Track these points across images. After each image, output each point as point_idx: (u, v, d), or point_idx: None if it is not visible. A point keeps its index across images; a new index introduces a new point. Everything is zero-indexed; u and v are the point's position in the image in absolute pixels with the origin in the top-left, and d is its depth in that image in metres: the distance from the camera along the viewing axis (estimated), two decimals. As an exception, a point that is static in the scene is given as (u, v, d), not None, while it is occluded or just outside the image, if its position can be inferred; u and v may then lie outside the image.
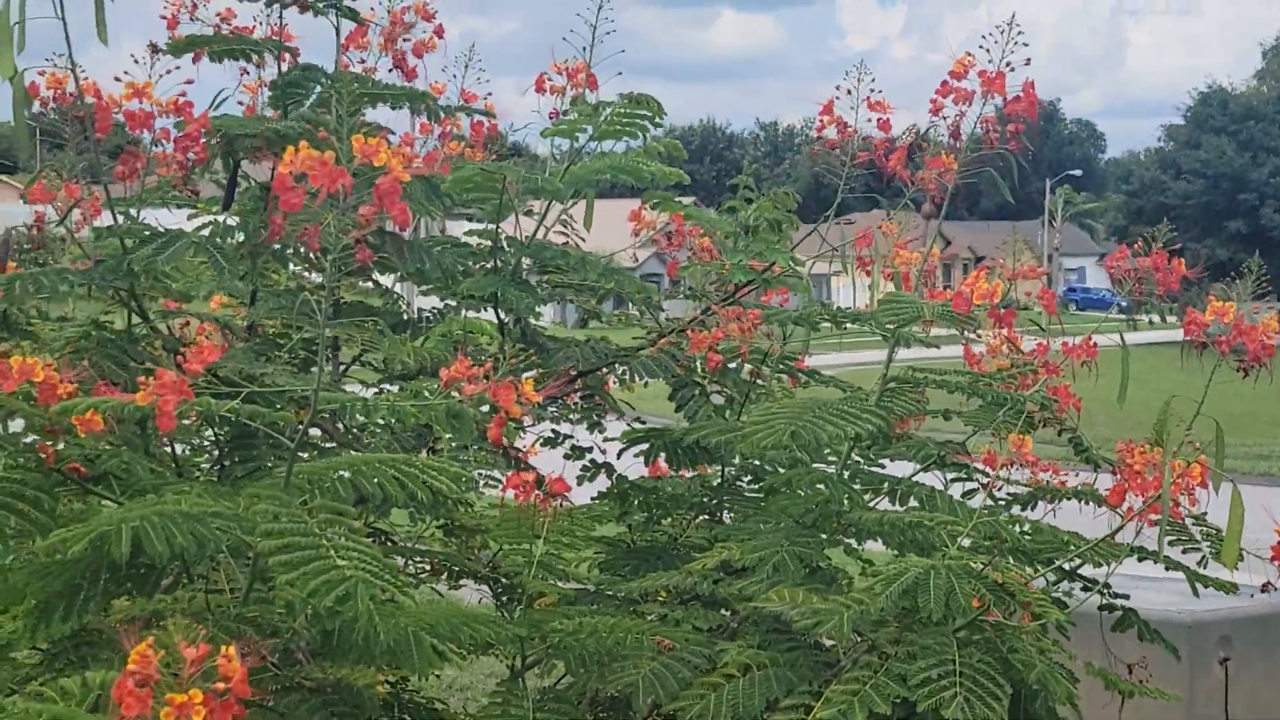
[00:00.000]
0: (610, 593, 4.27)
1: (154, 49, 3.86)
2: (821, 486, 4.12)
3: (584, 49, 4.44)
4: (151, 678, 2.55)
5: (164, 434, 3.47)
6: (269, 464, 3.75)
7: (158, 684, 2.54)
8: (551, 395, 4.38)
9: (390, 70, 4.41)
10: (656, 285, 4.83)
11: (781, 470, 4.28)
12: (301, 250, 4.12)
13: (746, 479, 4.62)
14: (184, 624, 2.79)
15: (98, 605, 3.49)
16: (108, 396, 3.17)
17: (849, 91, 4.30)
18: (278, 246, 3.96)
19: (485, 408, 3.26)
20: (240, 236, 3.97)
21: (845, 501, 4.08)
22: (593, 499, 4.50)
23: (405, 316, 4.52)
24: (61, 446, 3.44)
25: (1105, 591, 4.35)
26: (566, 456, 4.87)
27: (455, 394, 3.33)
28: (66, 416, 3.24)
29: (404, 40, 4.40)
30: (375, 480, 3.22)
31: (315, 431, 3.87)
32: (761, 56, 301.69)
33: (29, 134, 3.62)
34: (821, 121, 4.38)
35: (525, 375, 3.54)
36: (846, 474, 4.24)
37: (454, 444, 4.09)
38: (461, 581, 4.95)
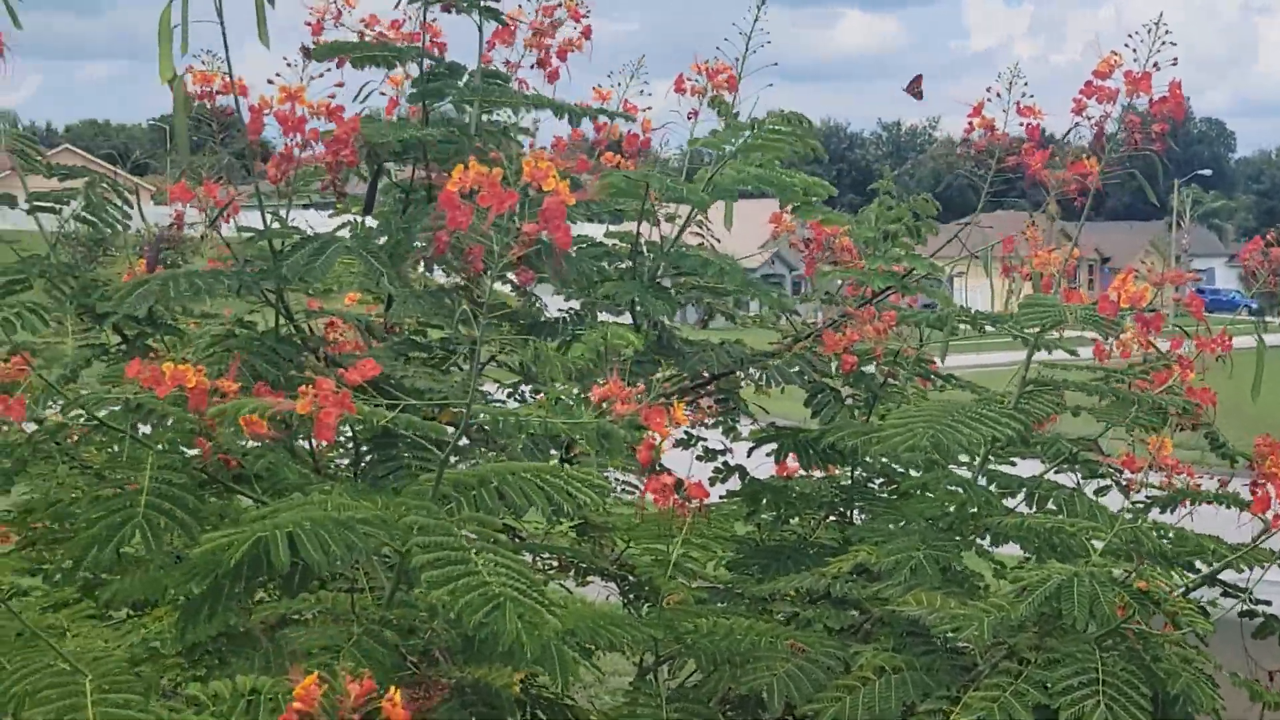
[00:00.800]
0: (739, 591, 4.27)
1: (306, 53, 3.92)
2: (957, 490, 4.08)
3: (718, 50, 4.43)
4: (313, 715, 2.57)
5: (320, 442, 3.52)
6: (408, 464, 3.79)
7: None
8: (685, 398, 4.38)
9: (532, 67, 4.42)
10: (784, 286, 4.81)
11: (915, 473, 4.25)
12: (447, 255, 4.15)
13: (878, 480, 4.59)
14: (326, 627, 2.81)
15: (241, 605, 3.56)
16: (268, 400, 3.22)
17: (998, 94, 4.26)
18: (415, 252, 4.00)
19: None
20: (383, 239, 4.02)
21: (981, 505, 4.04)
22: (721, 498, 4.50)
23: (543, 318, 4.55)
24: (211, 445, 3.52)
25: (1247, 598, 4.26)
26: (699, 458, 4.88)
27: (605, 413, 3.35)
28: (223, 417, 3.29)
29: (551, 40, 4.40)
30: (521, 490, 3.25)
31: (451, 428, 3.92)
32: (885, 56, 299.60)
33: (186, 135, 3.69)
34: (970, 124, 4.33)
35: (659, 377, 3.54)
36: (982, 478, 4.19)
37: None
38: (588, 578, 4.97)
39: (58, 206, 4.17)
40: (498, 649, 3.30)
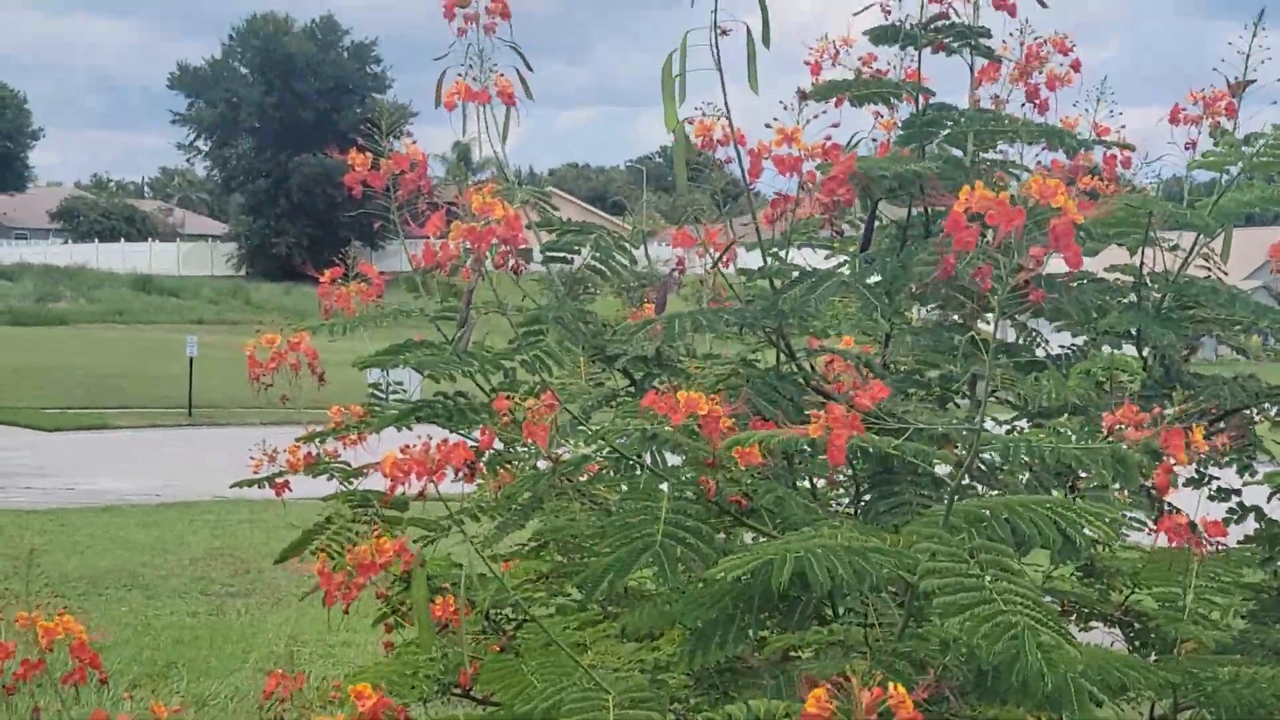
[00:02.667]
0: (1259, 641, 4.06)
1: (802, 95, 4.03)
2: None
3: (1216, 71, 4.27)
4: (831, 712, 2.63)
5: (833, 467, 3.59)
6: (909, 501, 3.81)
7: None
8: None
9: (1022, 105, 4.41)
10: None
11: None
12: (943, 290, 4.16)
13: None
14: (855, 663, 2.87)
15: (750, 635, 3.65)
16: (772, 430, 3.31)
17: None
18: (913, 287, 4.02)
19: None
20: (878, 276, 4.07)
21: None
22: (1238, 542, 4.29)
23: (1041, 353, 4.48)
24: (719, 480, 3.64)
25: None
26: (1211, 498, 4.68)
27: (1119, 439, 3.27)
28: (730, 450, 3.41)
29: (1038, 74, 4.38)
30: (1031, 521, 3.21)
31: (944, 468, 3.91)
32: None
33: (686, 180, 3.86)
34: None
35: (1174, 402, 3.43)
36: None
37: (1093, 484, 4.01)
38: (1091, 624, 4.83)
39: (569, 257, 4.42)
40: (1010, 685, 3.28)
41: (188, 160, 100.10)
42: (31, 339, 50.12)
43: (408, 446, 3.25)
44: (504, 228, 3.61)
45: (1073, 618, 4.84)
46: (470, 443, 3.92)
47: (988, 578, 3.01)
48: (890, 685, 2.61)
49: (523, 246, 3.76)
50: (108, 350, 46.98)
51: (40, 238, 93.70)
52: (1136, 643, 4.45)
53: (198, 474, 22.27)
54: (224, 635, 13.24)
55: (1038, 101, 4.46)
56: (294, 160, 77.58)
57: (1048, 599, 4.69)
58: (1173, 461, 3.25)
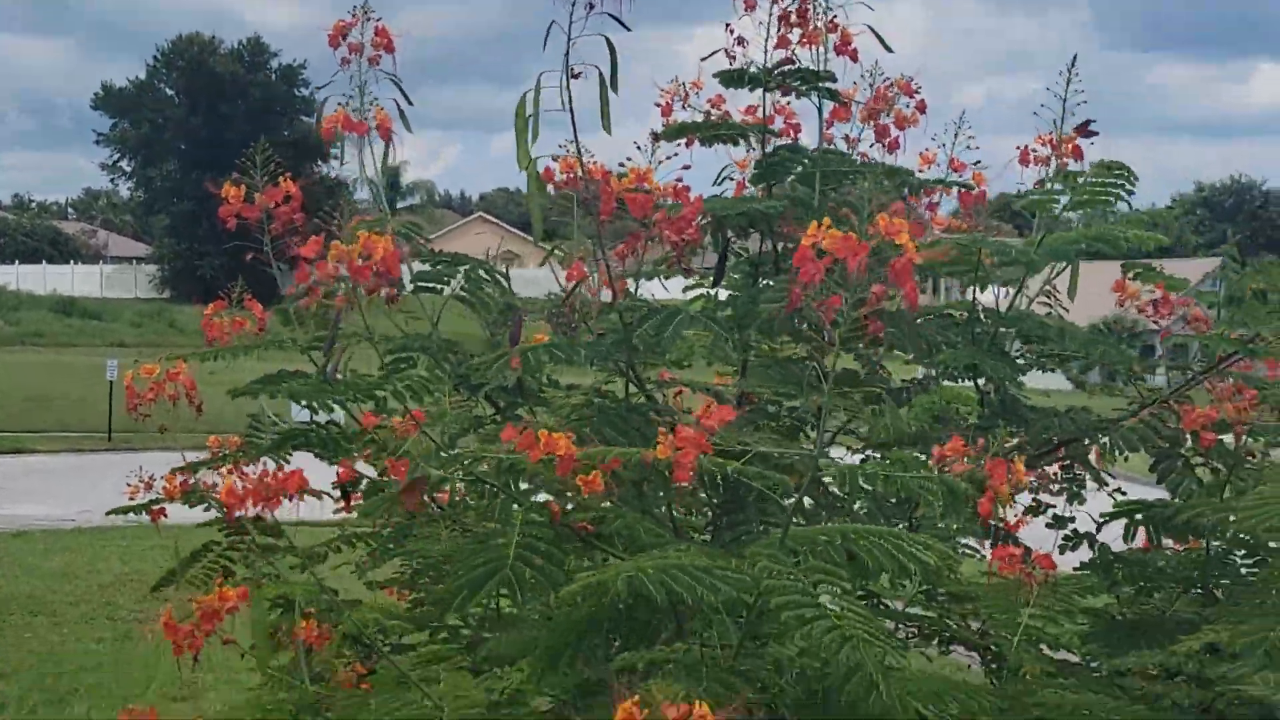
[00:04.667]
0: (1094, 665, 4.21)
1: (655, 137, 4.17)
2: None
3: (1058, 117, 4.44)
4: None
5: (677, 488, 3.70)
6: (758, 527, 3.94)
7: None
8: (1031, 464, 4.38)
9: (871, 145, 4.57)
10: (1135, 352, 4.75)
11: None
12: (795, 322, 4.30)
13: (1240, 553, 4.45)
14: (667, 685, 2.98)
15: (599, 656, 3.76)
16: (626, 448, 3.43)
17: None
18: (763, 319, 4.16)
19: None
20: (729, 310, 4.21)
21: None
22: (1074, 568, 4.46)
23: (888, 385, 4.64)
24: (570, 507, 3.75)
25: None
26: (1049, 525, 4.85)
27: (947, 469, 3.41)
28: (575, 477, 3.52)
29: (885, 115, 4.55)
30: (868, 549, 3.34)
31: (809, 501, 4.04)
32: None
33: (542, 215, 3.99)
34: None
35: (999, 434, 3.59)
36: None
37: (928, 515, 4.16)
38: (953, 647, 4.98)
39: (439, 286, 4.53)
40: (840, 699, 3.40)
41: (112, 181, 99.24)
42: (-51, 362, 49.45)
43: (245, 474, 3.35)
44: (382, 263, 3.74)
45: (934, 641, 5.00)
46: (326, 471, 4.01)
47: (822, 596, 3.13)
48: (696, 703, 2.71)
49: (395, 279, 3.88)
50: (28, 373, 46.39)
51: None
52: (994, 666, 4.59)
53: (114, 499, 22.05)
54: (129, 661, 13.18)
55: (888, 141, 4.62)
56: (219, 182, 76.83)
57: (909, 623, 4.86)
58: (995, 493, 3.40)
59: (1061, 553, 4.65)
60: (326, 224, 4.09)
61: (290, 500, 3.46)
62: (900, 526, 4.14)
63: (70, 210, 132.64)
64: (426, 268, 4.60)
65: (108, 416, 33.00)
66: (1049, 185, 4.36)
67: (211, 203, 4.46)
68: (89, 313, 69.37)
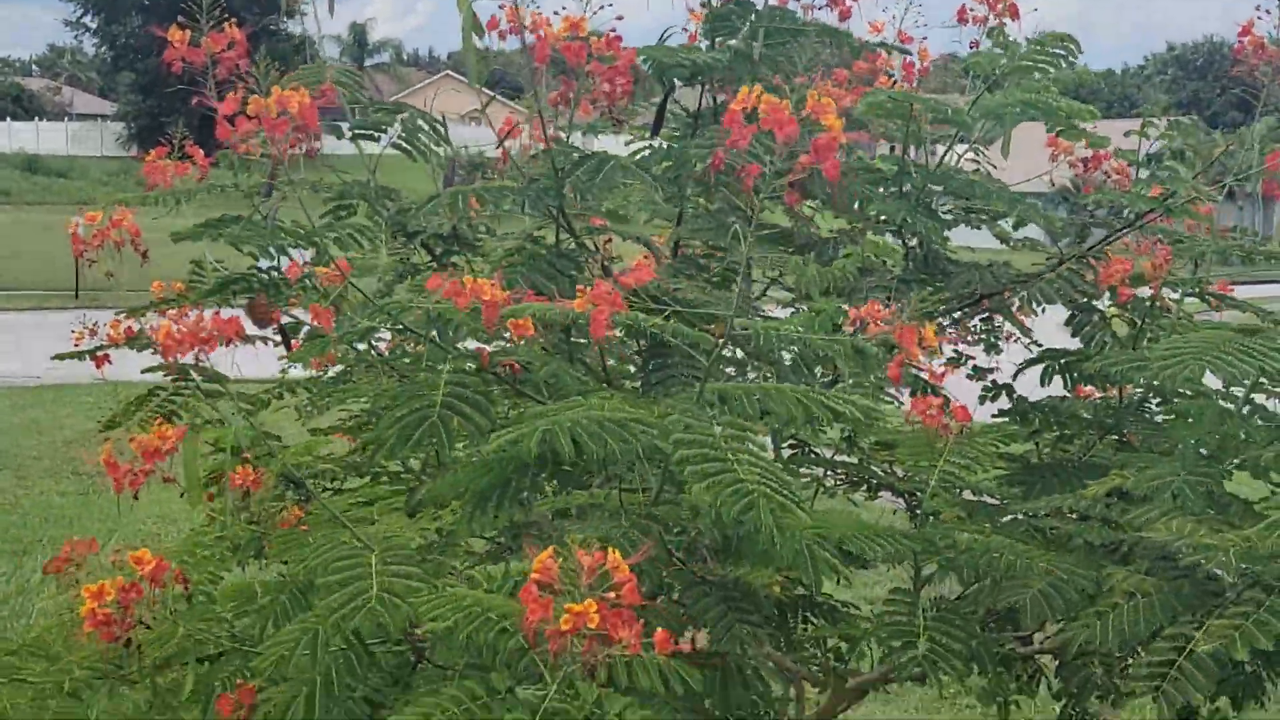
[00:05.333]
0: (1007, 507, 4.35)
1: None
2: (1228, 412, 4.03)
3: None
4: (552, 585, 2.79)
5: (595, 342, 3.77)
6: (685, 374, 4.01)
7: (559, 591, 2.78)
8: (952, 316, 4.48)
9: (822, 8, 4.57)
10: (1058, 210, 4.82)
11: (1185, 396, 4.23)
12: (722, 182, 4.35)
13: (1155, 400, 4.57)
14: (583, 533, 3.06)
15: (526, 500, 3.85)
16: (543, 303, 3.49)
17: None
18: (697, 172, 4.21)
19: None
20: (666, 162, 4.25)
21: (1249, 434, 3.99)
22: (993, 416, 4.58)
23: (814, 238, 4.70)
24: (495, 350, 3.82)
25: None
26: (969, 377, 4.95)
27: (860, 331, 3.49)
28: (505, 319, 3.56)
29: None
30: (782, 402, 3.42)
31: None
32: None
33: (478, 59, 4.01)
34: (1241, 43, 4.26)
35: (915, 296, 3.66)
36: (1246, 410, 4.12)
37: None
38: (880, 493, 5.11)
39: (376, 134, 4.54)
40: (756, 548, 3.51)
41: (76, 37, 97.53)
42: (-87, 219, 49.06)
43: (182, 319, 3.39)
44: (299, 116, 3.75)
45: (862, 488, 5.13)
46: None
47: (729, 450, 3.21)
48: (609, 550, 2.79)
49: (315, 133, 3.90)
50: (-8, 231, 46.13)
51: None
52: (916, 511, 4.72)
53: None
54: (91, 515, 13.31)
55: (840, 8, 4.61)
56: (165, 27, 75.59)
57: (839, 470, 4.97)
58: (906, 355, 3.49)
59: (981, 403, 4.76)
60: (255, 78, 4.10)
61: (227, 346, 3.50)
62: (826, 376, 4.23)
63: (34, 67, 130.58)
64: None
65: (74, 274, 32.84)
66: (987, 47, 4.39)
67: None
68: (55, 170, 68.72)
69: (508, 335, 3.72)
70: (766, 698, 4.39)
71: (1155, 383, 4.10)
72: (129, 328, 5.16)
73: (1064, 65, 4.29)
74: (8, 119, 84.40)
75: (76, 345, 5.14)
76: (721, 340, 3.47)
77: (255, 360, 4.53)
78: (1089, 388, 4.78)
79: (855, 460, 4.87)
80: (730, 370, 4.20)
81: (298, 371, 5.41)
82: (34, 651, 3.93)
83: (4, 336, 27.68)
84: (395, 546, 3.46)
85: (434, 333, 3.88)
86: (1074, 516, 4.18)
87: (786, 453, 4.95)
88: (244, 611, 4.05)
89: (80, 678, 3.74)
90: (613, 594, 2.76)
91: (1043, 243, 4.87)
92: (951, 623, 3.79)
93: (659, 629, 2.84)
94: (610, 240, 4.42)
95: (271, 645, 3.31)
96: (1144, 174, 4.62)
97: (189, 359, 3.49)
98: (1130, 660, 3.75)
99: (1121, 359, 4.19)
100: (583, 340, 4.18)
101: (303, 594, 3.64)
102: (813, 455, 5.07)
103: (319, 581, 3.30)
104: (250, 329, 4.18)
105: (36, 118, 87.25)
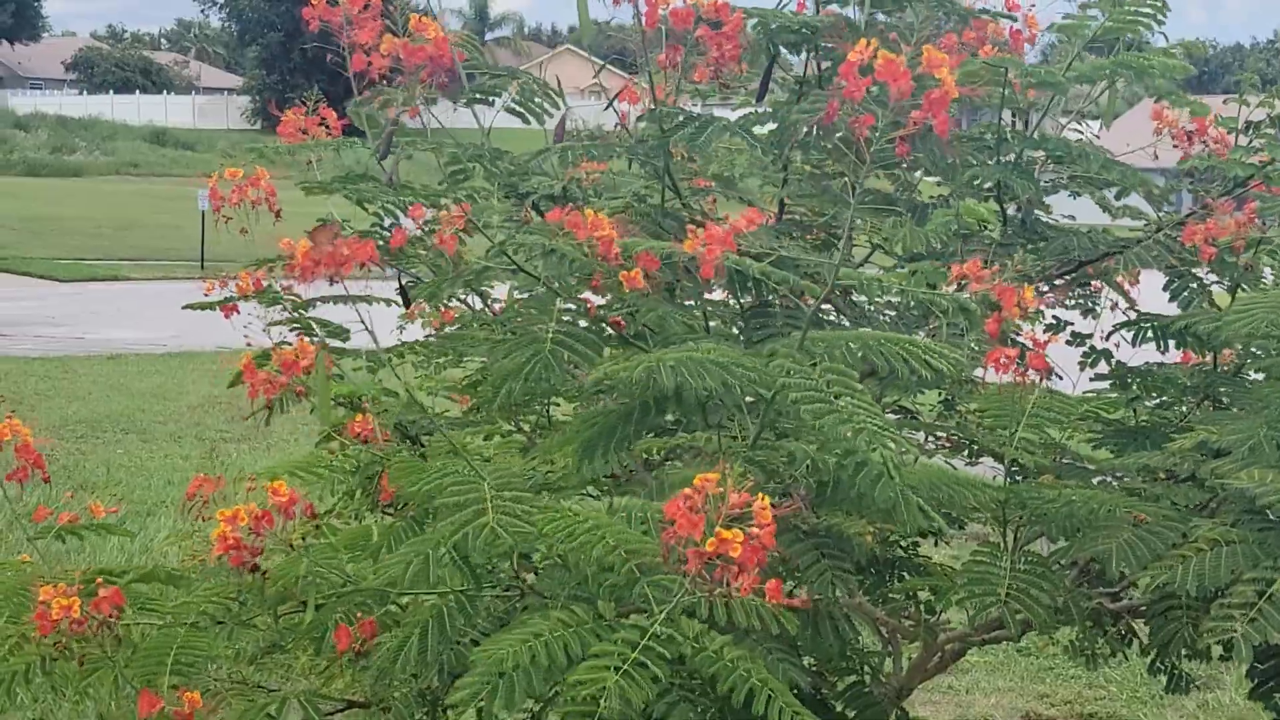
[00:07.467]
0: (1099, 468, 4.43)
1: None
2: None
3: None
4: (700, 505, 2.94)
5: (703, 281, 3.89)
6: (782, 331, 4.14)
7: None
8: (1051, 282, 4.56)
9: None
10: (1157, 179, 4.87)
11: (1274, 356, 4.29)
12: (827, 144, 4.45)
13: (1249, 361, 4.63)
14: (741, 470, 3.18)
15: (630, 446, 4.01)
16: (658, 243, 3.62)
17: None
18: (802, 137, 4.33)
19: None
20: (772, 125, 4.38)
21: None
22: (1090, 379, 4.66)
23: (915, 203, 4.79)
24: (603, 302, 3.98)
25: None
26: (1068, 343, 5.01)
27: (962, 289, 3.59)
28: (617, 273, 3.70)
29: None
30: (882, 354, 3.54)
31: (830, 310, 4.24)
32: None
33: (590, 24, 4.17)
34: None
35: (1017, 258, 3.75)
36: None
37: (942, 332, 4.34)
38: (980, 458, 5.18)
39: (491, 99, 4.72)
40: (852, 494, 3.63)
41: (203, 12, 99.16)
42: (46, 190, 50.35)
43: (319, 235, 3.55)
44: (433, 47, 3.94)
45: (964, 452, 5.21)
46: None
47: (834, 393, 3.34)
48: (759, 495, 2.92)
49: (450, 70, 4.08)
50: (122, 203, 47.21)
51: (55, 88, 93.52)
52: (1019, 477, 4.81)
53: (206, 326, 22.59)
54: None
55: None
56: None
57: (939, 435, 5.06)
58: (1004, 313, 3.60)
59: (1081, 369, 4.83)
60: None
61: (362, 268, 3.64)
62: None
63: (163, 41, 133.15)
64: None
65: (200, 245, 33.62)
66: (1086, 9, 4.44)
67: (302, 37, 4.63)
68: (182, 143, 70.15)
69: (617, 287, 3.87)
70: (857, 648, 4.52)
71: (1234, 343, 4.16)
72: (257, 279, 5.40)
73: (1154, 26, 4.34)
74: (137, 92, 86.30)
75: (207, 295, 5.37)
76: (825, 292, 3.59)
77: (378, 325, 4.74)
78: (1192, 354, 4.82)
79: (954, 423, 4.96)
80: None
81: (415, 330, 5.61)
82: (165, 578, 4.14)
83: (130, 304, 28.36)
84: (512, 474, 3.63)
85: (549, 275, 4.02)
86: (1164, 477, 4.26)
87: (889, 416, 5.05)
88: (358, 557, 4.23)
89: (206, 610, 3.90)
90: (756, 530, 2.89)
91: (1145, 212, 4.91)
92: (1038, 573, 3.88)
93: (772, 578, 2.98)
94: (715, 200, 4.56)
95: (383, 567, 3.49)
96: (1243, 141, 4.65)
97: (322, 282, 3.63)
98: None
99: (1205, 317, 4.27)
100: (689, 302, 4.31)
101: (418, 523, 3.84)
102: (914, 419, 5.17)
103: (437, 501, 3.48)
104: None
105: (164, 91, 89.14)
